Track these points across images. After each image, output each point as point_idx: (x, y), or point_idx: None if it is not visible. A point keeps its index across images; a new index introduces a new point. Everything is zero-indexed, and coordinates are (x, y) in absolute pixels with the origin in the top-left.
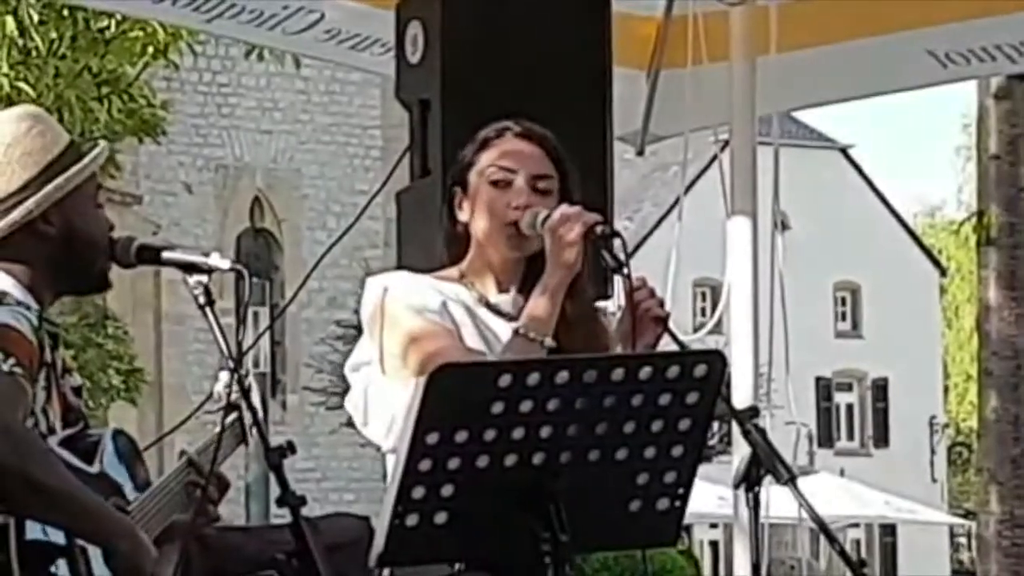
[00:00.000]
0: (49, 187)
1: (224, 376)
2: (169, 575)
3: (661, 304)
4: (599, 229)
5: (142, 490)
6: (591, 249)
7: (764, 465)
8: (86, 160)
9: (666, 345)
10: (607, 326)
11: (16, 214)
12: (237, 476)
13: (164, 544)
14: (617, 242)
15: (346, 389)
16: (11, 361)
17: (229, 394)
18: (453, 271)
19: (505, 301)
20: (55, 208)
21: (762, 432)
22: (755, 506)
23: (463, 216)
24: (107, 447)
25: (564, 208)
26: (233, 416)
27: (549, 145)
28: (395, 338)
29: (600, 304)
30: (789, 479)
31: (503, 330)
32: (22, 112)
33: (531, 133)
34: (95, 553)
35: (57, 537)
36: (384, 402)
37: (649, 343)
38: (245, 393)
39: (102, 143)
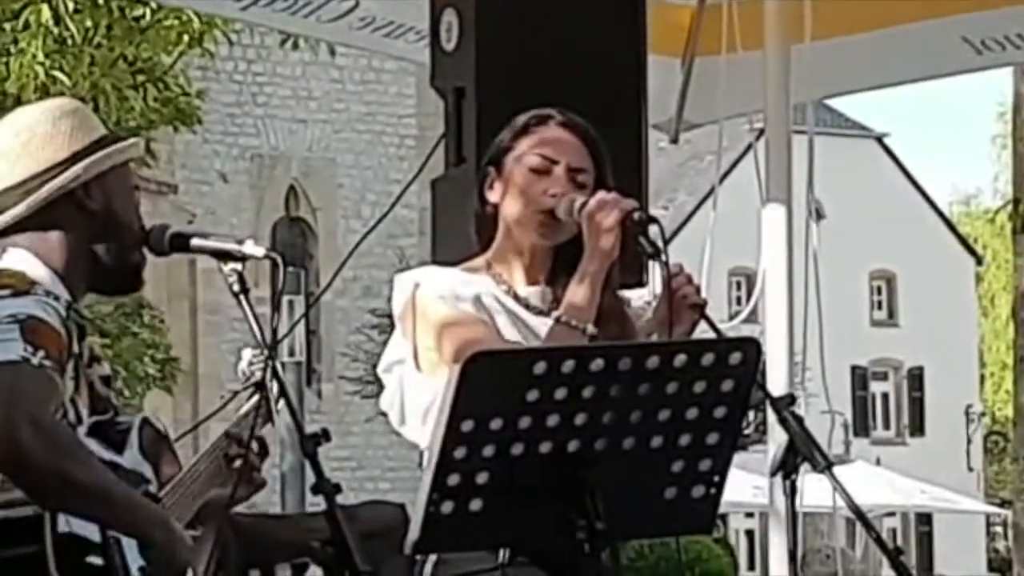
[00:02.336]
0: (97, 155)
1: (247, 353)
2: (204, 562)
3: (698, 291)
4: (636, 215)
5: (166, 479)
6: (628, 236)
7: (801, 453)
8: (128, 142)
9: (702, 332)
10: (632, 315)
11: (62, 179)
12: (272, 464)
13: (197, 525)
14: (654, 228)
15: (382, 384)
16: (41, 354)
17: (258, 371)
18: (480, 261)
19: (534, 294)
20: (97, 183)
21: (799, 420)
22: (791, 494)
23: (493, 197)
24: (134, 436)
25: (601, 195)
26: (261, 395)
27: (589, 137)
28: (429, 331)
29: (637, 292)
30: (826, 467)
31: (534, 323)
32: (64, 99)
33: (573, 124)
34: (129, 544)
35: (91, 530)
36: (421, 399)
37: (686, 330)
38: (276, 380)
39: (137, 139)
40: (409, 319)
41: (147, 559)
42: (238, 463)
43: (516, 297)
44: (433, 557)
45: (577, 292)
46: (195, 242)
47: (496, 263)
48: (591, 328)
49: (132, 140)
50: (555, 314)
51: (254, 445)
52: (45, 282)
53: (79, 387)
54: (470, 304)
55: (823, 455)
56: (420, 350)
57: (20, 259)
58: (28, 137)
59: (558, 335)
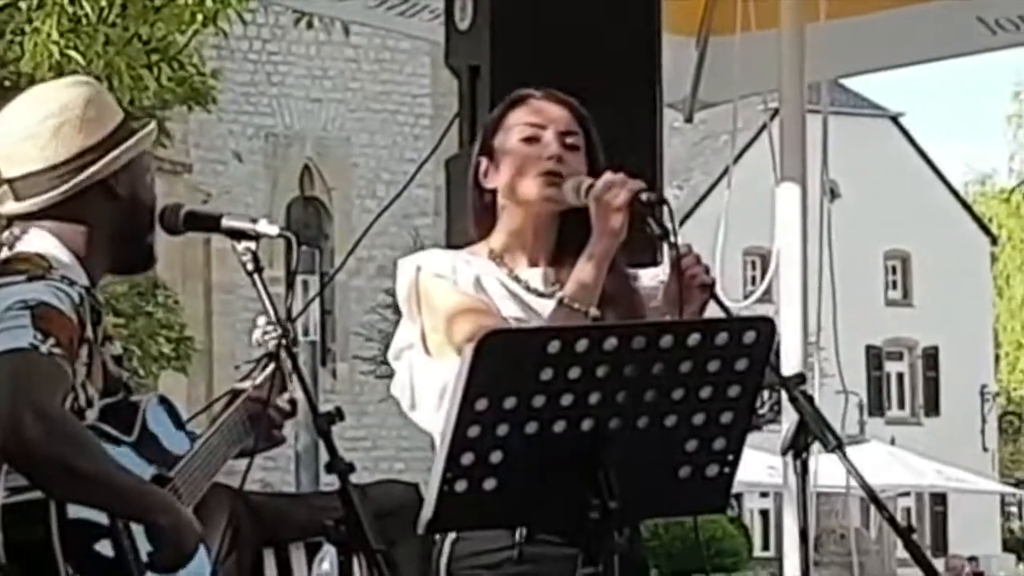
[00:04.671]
0: (127, 143)
1: (261, 320)
2: (217, 541)
3: (707, 271)
4: (645, 196)
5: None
6: (636, 217)
7: (811, 432)
8: (147, 130)
9: (713, 312)
10: (641, 294)
11: (97, 167)
12: (287, 444)
13: (211, 507)
14: (664, 209)
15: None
16: (50, 342)
17: (272, 342)
18: (482, 247)
19: (535, 276)
20: (125, 170)
21: (809, 399)
22: (803, 473)
23: (490, 183)
24: (156, 411)
25: (609, 175)
26: (273, 366)
27: (572, 105)
28: (436, 315)
29: (650, 271)
30: (836, 446)
31: (537, 305)
32: (83, 79)
33: (554, 95)
34: (138, 530)
35: (100, 515)
36: (432, 382)
37: (695, 310)
38: (290, 360)
39: (151, 122)
40: (414, 303)
41: (156, 545)
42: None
43: (517, 279)
44: (452, 535)
45: (583, 273)
46: (209, 221)
47: (497, 247)
48: (594, 311)
49: (151, 125)
50: (558, 295)
51: (283, 404)
52: (64, 265)
53: (91, 371)
54: (471, 285)
55: (834, 434)
56: (428, 333)
57: (42, 241)
58: (58, 122)
59: (560, 317)
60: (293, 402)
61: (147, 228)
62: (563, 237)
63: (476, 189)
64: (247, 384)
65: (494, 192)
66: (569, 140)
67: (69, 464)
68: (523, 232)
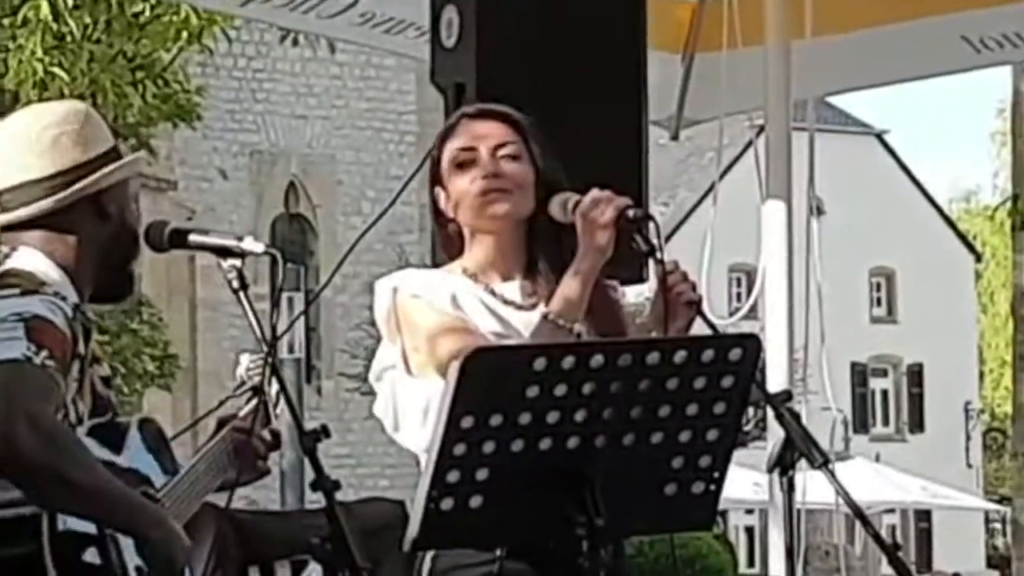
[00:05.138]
0: (120, 162)
1: (244, 359)
2: (203, 561)
3: (694, 288)
4: (631, 213)
5: (171, 476)
6: (623, 233)
7: (798, 449)
8: (138, 153)
9: (699, 329)
10: (623, 310)
11: (90, 180)
12: (272, 462)
13: (200, 526)
14: (650, 226)
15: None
16: (44, 354)
17: (256, 376)
18: (456, 266)
19: (512, 289)
20: (116, 189)
21: (795, 416)
22: (789, 490)
23: (449, 212)
24: (134, 436)
25: (596, 192)
26: (257, 400)
27: (504, 115)
28: (416, 336)
29: (635, 288)
30: (823, 463)
31: (512, 318)
32: (79, 103)
33: (484, 110)
34: (127, 543)
35: (89, 526)
36: (414, 402)
37: (682, 327)
38: (275, 377)
39: (140, 151)
40: (393, 324)
41: (144, 558)
42: (246, 450)
43: (493, 293)
44: (432, 551)
45: (568, 289)
46: (194, 238)
47: (470, 267)
48: (578, 327)
49: (141, 152)
50: (542, 311)
51: (267, 436)
52: (55, 282)
53: (82, 388)
54: (448, 303)
55: (820, 451)
56: (409, 354)
57: (32, 259)
58: (57, 133)
59: (544, 332)
60: (276, 434)
61: (131, 253)
62: (534, 247)
63: (438, 219)
64: (233, 411)
65: (455, 219)
66: (504, 152)
67: (63, 474)
68: (491, 252)
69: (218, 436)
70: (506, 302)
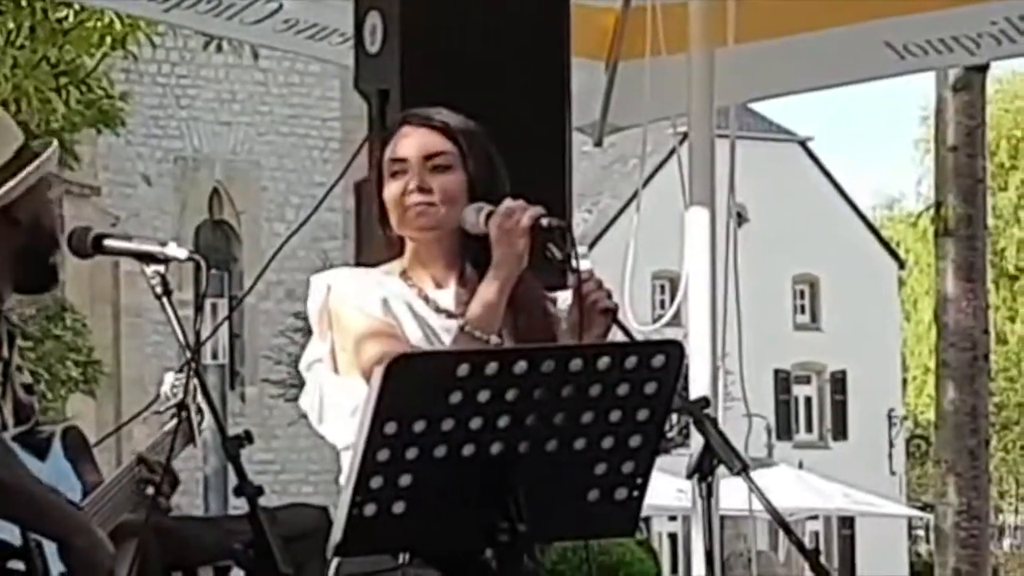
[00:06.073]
0: (27, 169)
1: (169, 377)
2: (125, 571)
3: (609, 295)
4: (545, 222)
5: (89, 487)
6: (537, 242)
7: (717, 455)
8: (48, 153)
9: (616, 337)
10: (557, 316)
11: (4, 190)
12: (196, 468)
13: (118, 540)
14: (565, 234)
15: (304, 382)
16: None
17: (179, 393)
18: (396, 265)
19: (444, 296)
20: (25, 196)
21: (714, 422)
22: (708, 496)
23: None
24: (57, 445)
25: (508, 202)
26: (182, 416)
27: (440, 122)
28: (345, 336)
29: (562, 294)
30: (741, 469)
31: (441, 326)
32: None
33: (419, 116)
34: (51, 550)
35: (13, 534)
36: (338, 399)
37: (598, 335)
38: (200, 389)
39: (53, 143)
40: (325, 321)
41: (68, 565)
42: (149, 489)
43: (426, 299)
44: (336, 560)
45: (484, 299)
46: (118, 244)
47: (409, 270)
48: (495, 338)
49: (52, 147)
50: (458, 322)
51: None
52: None
53: (5, 393)
54: (378, 307)
55: (739, 458)
56: (337, 352)
57: None
58: None
59: (461, 343)
60: (174, 474)
61: (49, 249)
62: (474, 256)
63: (381, 223)
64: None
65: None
66: (435, 162)
67: None
68: (427, 259)
69: (125, 466)
70: (439, 310)
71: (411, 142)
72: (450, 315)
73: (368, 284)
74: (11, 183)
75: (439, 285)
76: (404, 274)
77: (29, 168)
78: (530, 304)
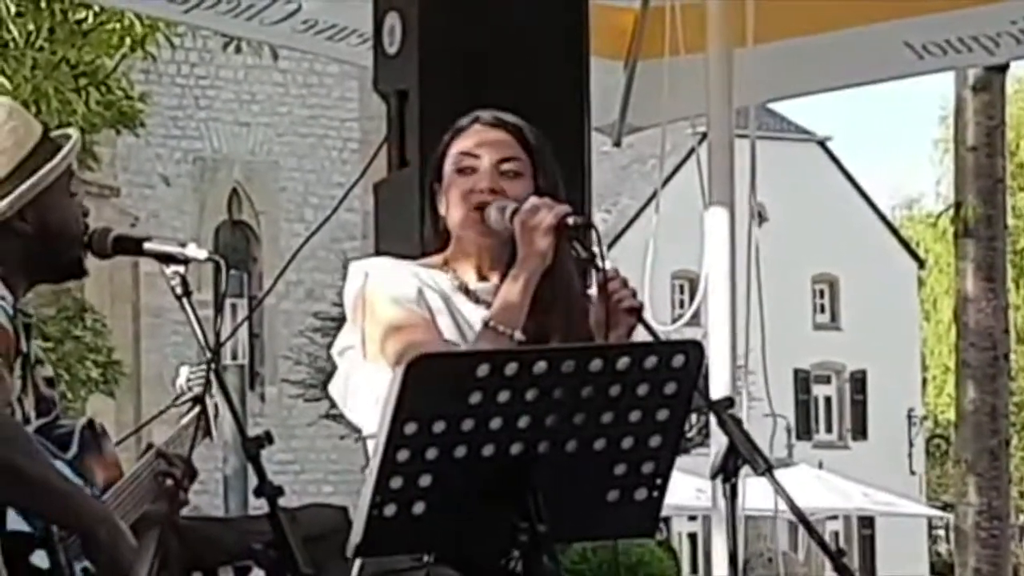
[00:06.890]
0: (23, 187)
1: (184, 370)
2: (147, 566)
3: (634, 294)
4: (571, 220)
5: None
6: (562, 241)
7: (741, 455)
8: (59, 156)
9: (640, 336)
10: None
11: (21, 190)
12: (215, 468)
13: (139, 532)
14: (591, 233)
15: (324, 381)
16: None
17: (196, 387)
18: (438, 258)
19: (484, 289)
20: (30, 206)
21: (738, 422)
22: (732, 496)
23: (442, 210)
24: (78, 438)
25: (534, 199)
26: (197, 410)
27: (518, 130)
28: (375, 326)
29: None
30: (766, 469)
31: (480, 318)
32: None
33: (498, 120)
34: (74, 544)
35: (37, 527)
36: (366, 386)
37: (623, 334)
38: (218, 383)
39: (75, 133)
40: (359, 309)
41: (90, 558)
42: (168, 482)
43: (467, 291)
44: (359, 560)
45: (507, 296)
46: (137, 245)
47: (452, 261)
48: (519, 334)
49: (65, 150)
50: (483, 317)
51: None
52: None
53: (26, 387)
54: (413, 298)
55: (763, 457)
56: (367, 340)
57: None
58: None
59: (485, 339)
60: (192, 466)
61: (67, 247)
62: (515, 255)
63: (432, 213)
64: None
65: (444, 217)
66: (507, 167)
67: (15, 466)
68: (470, 253)
69: (143, 459)
70: (479, 301)
71: (487, 144)
72: (489, 306)
73: (405, 275)
74: (15, 193)
75: (483, 277)
76: (446, 264)
77: (36, 176)
78: (558, 300)
